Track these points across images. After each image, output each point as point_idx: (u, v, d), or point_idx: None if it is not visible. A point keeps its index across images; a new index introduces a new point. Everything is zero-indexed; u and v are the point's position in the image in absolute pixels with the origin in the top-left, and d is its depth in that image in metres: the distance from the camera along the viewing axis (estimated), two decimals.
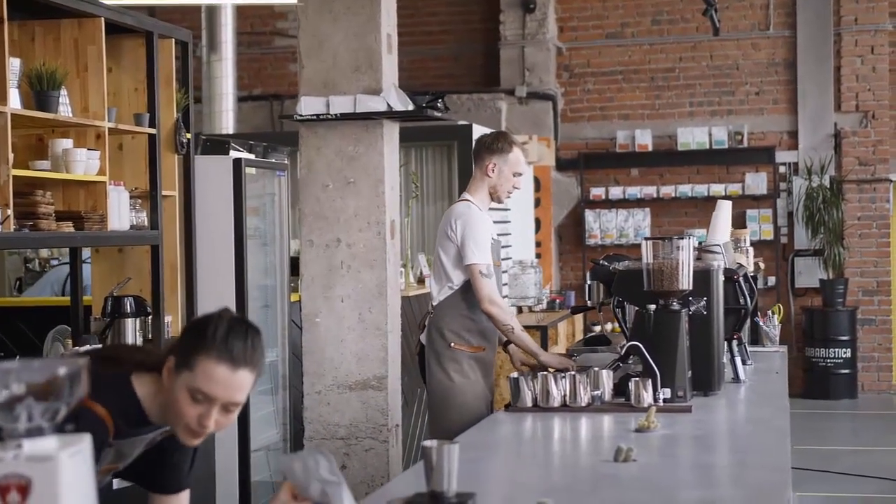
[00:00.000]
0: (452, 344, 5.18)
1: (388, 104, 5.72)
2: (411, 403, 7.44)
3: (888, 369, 12.62)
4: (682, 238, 4.42)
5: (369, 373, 5.76)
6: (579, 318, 11.35)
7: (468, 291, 5.19)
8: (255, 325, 2.69)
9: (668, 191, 12.75)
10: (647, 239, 4.46)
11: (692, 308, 4.45)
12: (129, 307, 5.40)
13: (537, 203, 12.40)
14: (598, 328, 12.21)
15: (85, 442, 1.80)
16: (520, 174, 5.35)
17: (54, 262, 8.94)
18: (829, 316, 12.24)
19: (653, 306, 4.39)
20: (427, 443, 2.74)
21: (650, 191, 12.79)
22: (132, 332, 5.39)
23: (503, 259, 10.00)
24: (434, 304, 5.30)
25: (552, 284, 12.39)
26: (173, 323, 5.84)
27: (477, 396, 5.18)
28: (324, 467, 2.53)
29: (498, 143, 5.33)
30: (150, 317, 5.55)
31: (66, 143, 5.01)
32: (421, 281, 8.04)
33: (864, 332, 12.50)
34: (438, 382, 5.20)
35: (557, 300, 11.41)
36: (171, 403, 2.61)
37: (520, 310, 10.22)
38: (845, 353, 12.20)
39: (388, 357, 5.77)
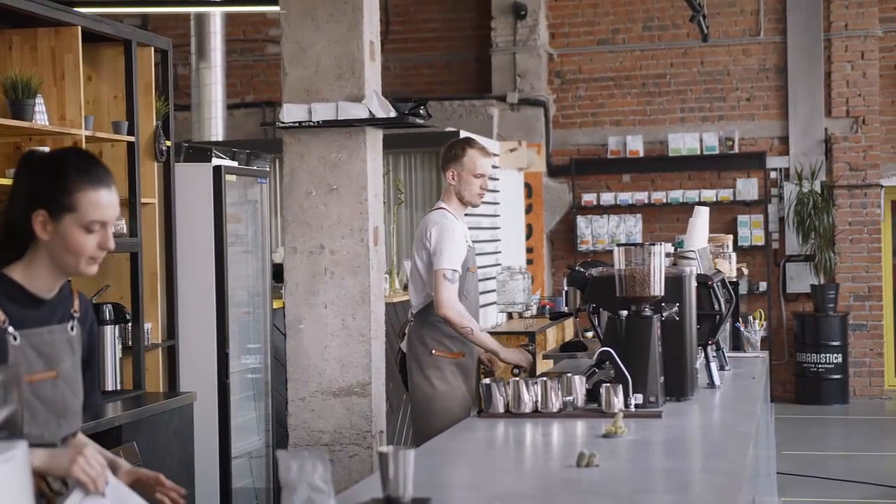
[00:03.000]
0: (434, 351, 5.26)
1: (371, 111, 5.73)
2: (396, 410, 7.45)
3: (879, 374, 12.62)
4: (654, 244, 4.43)
5: (353, 379, 5.77)
6: (569, 323, 11.36)
7: None
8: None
9: (659, 196, 12.76)
10: (619, 245, 4.48)
11: (664, 314, 4.46)
12: (108, 314, 5.41)
13: (529, 209, 12.43)
14: (590, 334, 12.21)
15: (19, 449, 1.82)
16: (482, 175, 5.39)
17: None
18: (821, 321, 12.25)
19: (625, 312, 4.40)
20: (382, 449, 2.76)
21: (642, 197, 12.80)
22: (111, 339, 5.40)
23: (492, 265, 10.08)
24: (414, 311, 5.38)
25: (543, 290, 12.40)
26: (153, 330, 5.85)
27: (459, 402, 5.24)
28: (318, 474, 2.55)
29: (452, 150, 5.43)
30: (129, 324, 5.56)
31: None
32: (406, 287, 8.05)
33: (855, 338, 12.51)
34: (420, 390, 5.25)
35: (548, 306, 11.42)
36: (61, 251, 2.68)
37: (509, 316, 10.23)
38: (836, 358, 12.20)
39: (371, 363, 5.77)
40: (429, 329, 5.28)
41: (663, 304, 4.48)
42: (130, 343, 5.61)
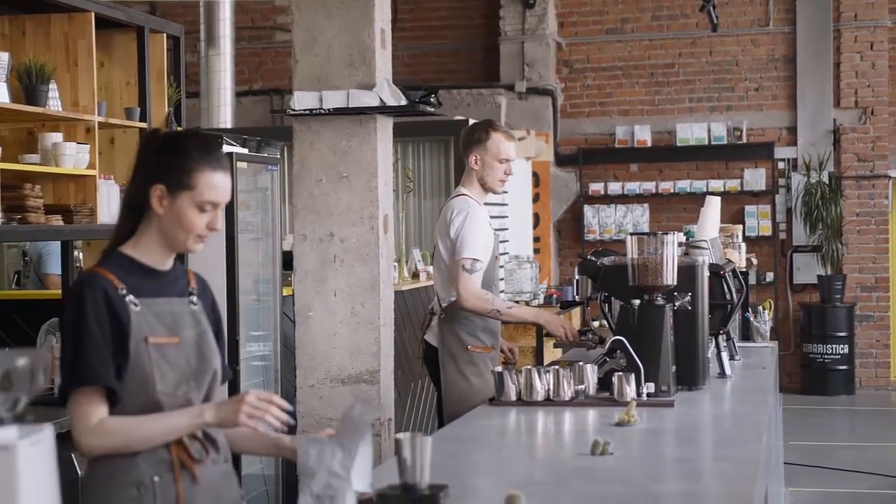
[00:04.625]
0: (470, 346, 5.12)
1: (381, 99, 5.73)
2: (404, 397, 7.46)
3: (886, 365, 12.63)
4: (667, 234, 4.43)
5: (362, 367, 5.77)
6: (577, 312, 11.37)
7: None
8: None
9: (666, 186, 12.76)
10: (632, 234, 4.47)
11: (677, 303, 4.46)
12: None
13: (536, 198, 12.43)
14: (596, 323, 12.22)
15: (45, 433, 1.82)
16: (506, 160, 5.21)
17: None
18: (827, 312, 12.25)
19: (637, 301, 4.40)
20: (399, 435, 2.76)
21: (649, 186, 12.80)
22: None
23: (500, 254, 10.06)
24: (443, 304, 5.19)
25: (550, 279, 12.40)
26: None
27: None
28: (338, 460, 2.56)
29: (475, 133, 5.25)
30: None
31: (56, 136, 5.03)
32: (415, 275, 8.07)
33: (861, 329, 12.51)
34: (457, 386, 5.10)
35: (555, 295, 11.42)
36: (172, 226, 2.81)
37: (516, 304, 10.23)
38: (843, 349, 12.21)
39: (380, 351, 5.77)
40: (463, 323, 5.12)
41: (675, 293, 4.48)
42: None
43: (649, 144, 12.85)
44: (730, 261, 5.59)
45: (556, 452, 3.59)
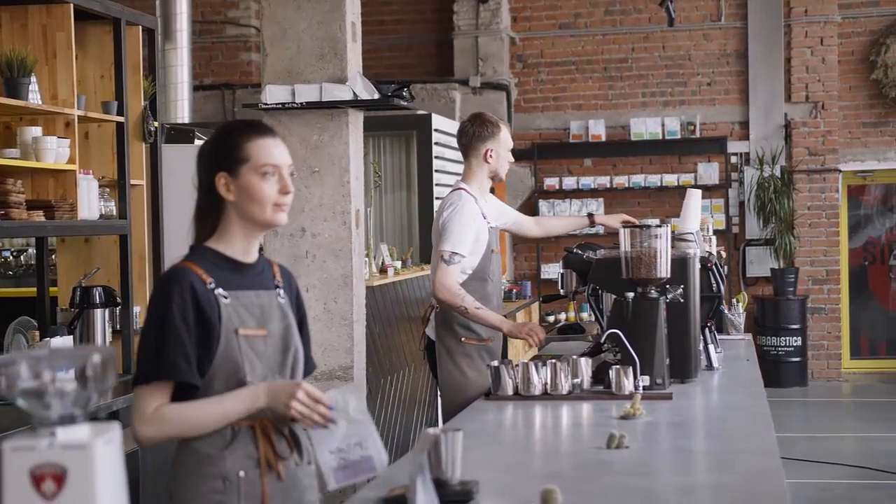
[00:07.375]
0: (463, 339, 5.12)
1: (354, 93, 5.69)
2: (376, 393, 7.42)
3: (837, 357, 12.78)
4: (660, 226, 4.44)
5: (335, 363, 5.75)
6: (535, 307, 11.43)
7: (474, 284, 5.11)
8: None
9: (621, 181, 12.81)
10: (625, 226, 4.47)
11: (670, 296, 4.47)
12: (97, 297, 5.32)
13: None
14: (551, 318, 12.27)
15: (115, 430, 1.78)
16: (511, 149, 5.37)
17: (6, 253, 8.82)
18: (780, 304, 12.37)
19: (631, 294, 4.40)
20: (431, 430, 2.74)
21: (604, 181, 12.85)
22: (101, 322, 5.32)
23: None
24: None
25: (507, 275, 12.42)
26: (142, 313, 5.77)
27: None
28: (353, 406, 2.56)
29: (487, 128, 5.27)
30: (118, 307, 5.49)
31: (36, 130, 4.93)
32: (383, 271, 8.02)
33: (813, 321, 12.65)
34: (452, 379, 5.09)
35: (514, 290, 11.46)
36: (247, 204, 2.84)
37: None
38: (796, 341, 12.34)
39: (353, 347, 5.75)
40: (456, 315, 5.08)
41: (668, 286, 4.48)
42: (119, 327, 5.53)
43: (603, 139, 12.89)
44: (711, 253, 5.62)
45: (570, 447, 3.57)
